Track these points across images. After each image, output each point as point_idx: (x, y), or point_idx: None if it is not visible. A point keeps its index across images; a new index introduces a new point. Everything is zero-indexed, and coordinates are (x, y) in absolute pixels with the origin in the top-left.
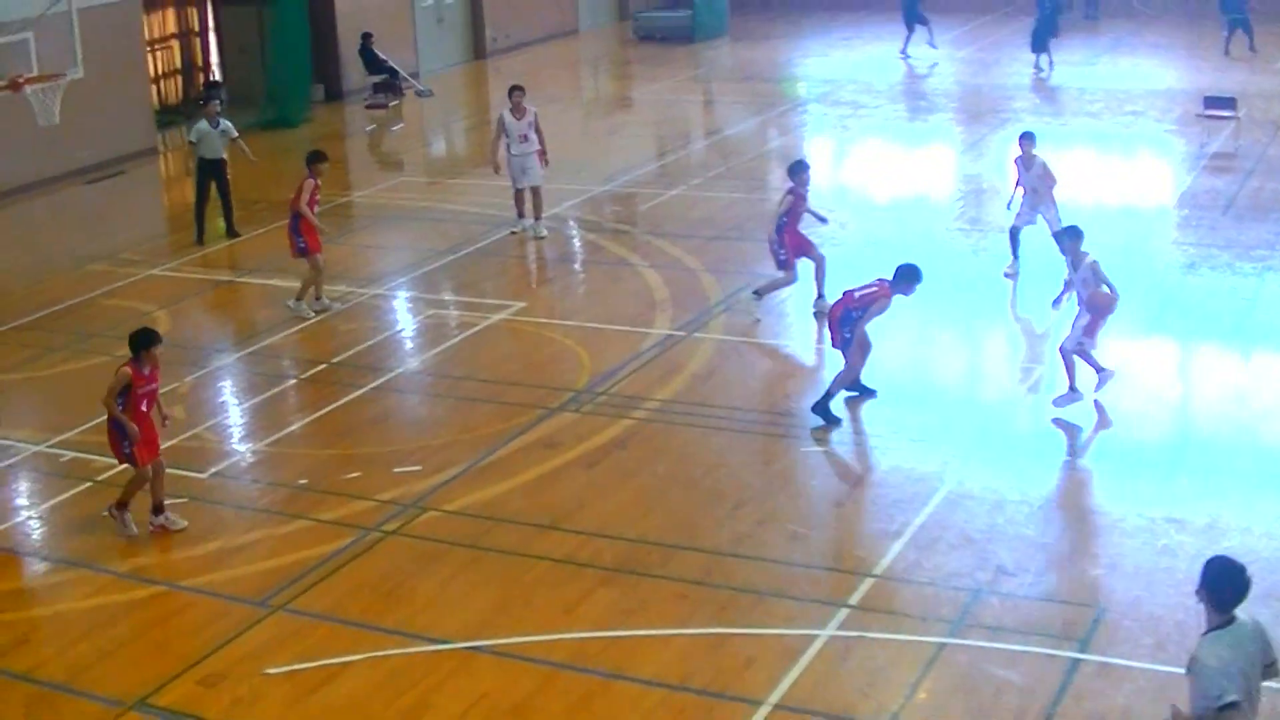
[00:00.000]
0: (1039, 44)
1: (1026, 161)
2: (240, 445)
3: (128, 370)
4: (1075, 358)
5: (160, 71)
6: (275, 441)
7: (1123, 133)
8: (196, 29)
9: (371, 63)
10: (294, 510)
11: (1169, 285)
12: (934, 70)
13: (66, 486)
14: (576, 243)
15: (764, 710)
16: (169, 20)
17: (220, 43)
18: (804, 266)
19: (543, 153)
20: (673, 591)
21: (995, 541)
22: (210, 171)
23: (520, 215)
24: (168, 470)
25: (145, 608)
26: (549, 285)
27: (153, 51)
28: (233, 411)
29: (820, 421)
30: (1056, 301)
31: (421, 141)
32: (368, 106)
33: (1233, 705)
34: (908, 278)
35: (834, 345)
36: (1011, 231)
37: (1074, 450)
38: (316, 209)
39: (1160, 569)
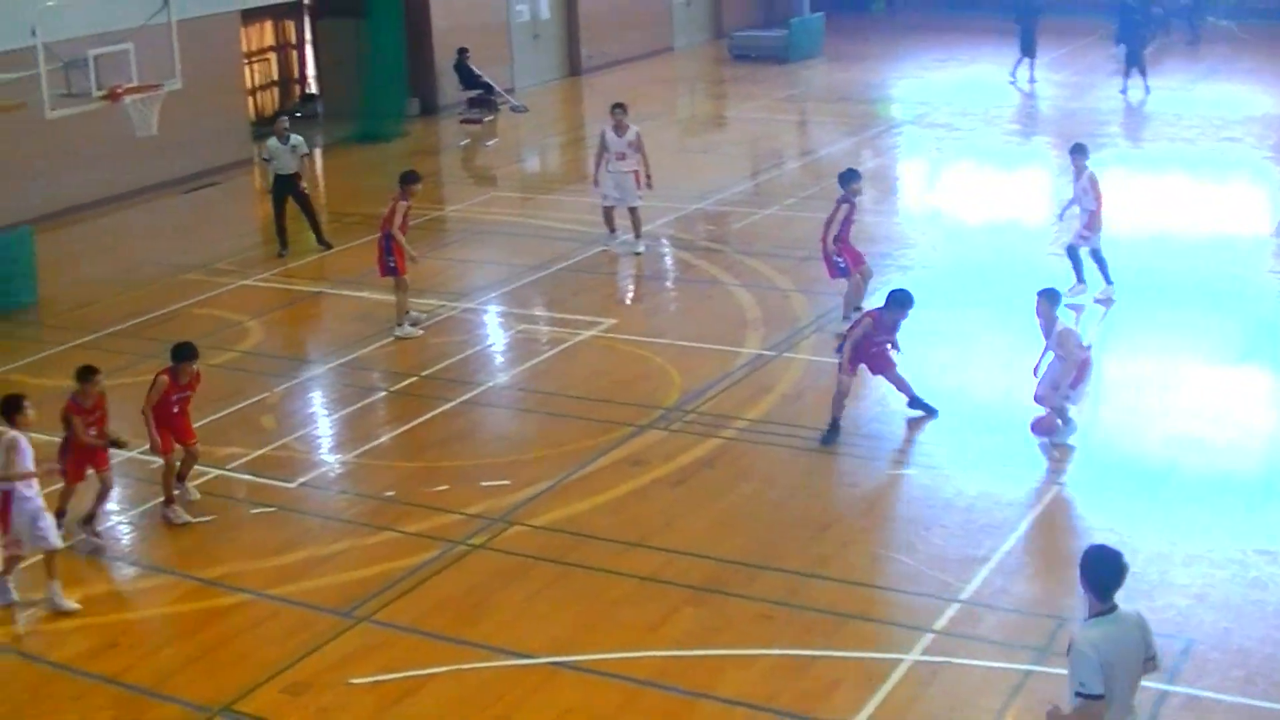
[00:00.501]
0: (1133, 60)
1: (1077, 174)
2: (329, 456)
3: (165, 379)
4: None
5: (257, 84)
6: (363, 453)
7: (1219, 159)
8: (293, 42)
9: (467, 78)
10: (381, 522)
11: (1264, 315)
12: (1029, 94)
13: (156, 493)
14: (668, 261)
15: None
16: (266, 33)
17: (316, 56)
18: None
19: (643, 173)
20: (757, 612)
21: None
22: (285, 187)
23: (611, 231)
24: (257, 479)
25: (231, 615)
26: (640, 303)
27: (250, 64)
28: (322, 423)
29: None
30: (1035, 369)
31: (515, 157)
32: (462, 121)
33: (1094, 697)
34: (896, 303)
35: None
36: (1069, 250)
37: (1163, 481)
38: (406, 231)
39: (1250, 601)
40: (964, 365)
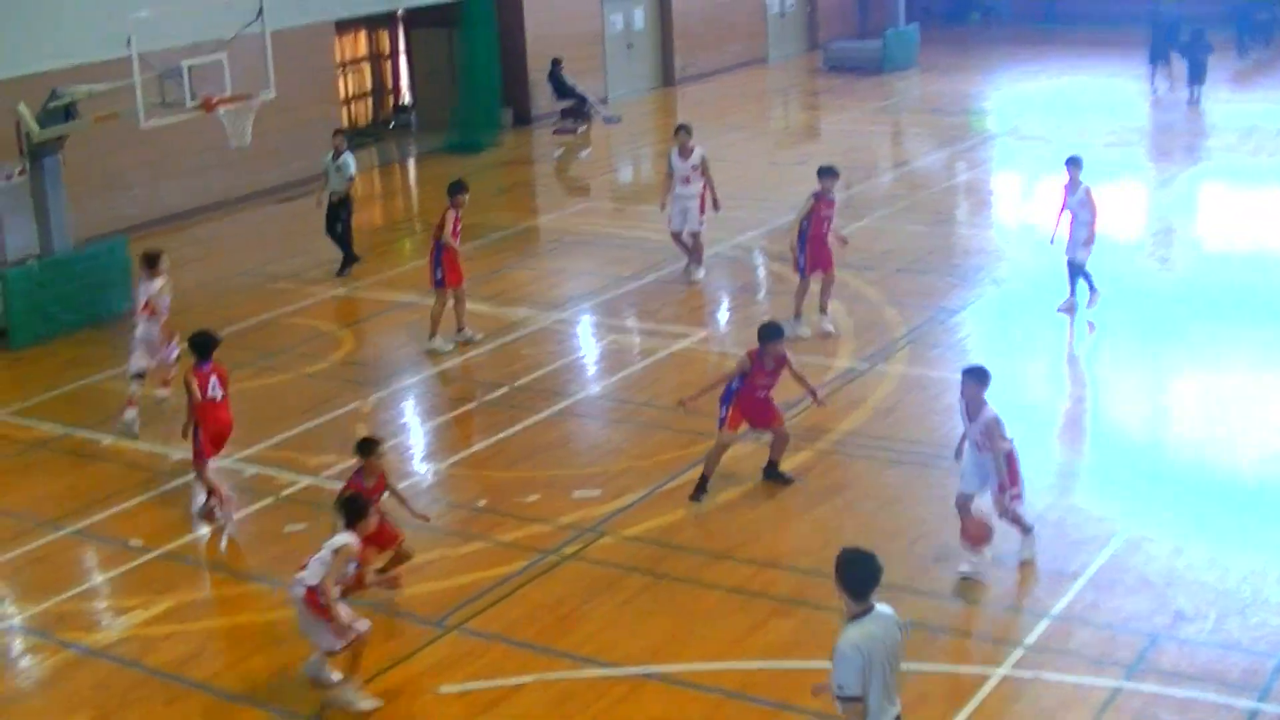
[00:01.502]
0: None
1: (1072, 186)
2: (421, 465)
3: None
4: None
5: (351, 94)
6: (456, 463)
7: None
8: (387, 52)
9: (560, 88)
10: (472, 531)
11: None
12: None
13: (248, 501)
14: (760, 272)
15: None
16: (360, 43)
17: (410, 66)
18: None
19: (709, 198)
20: None
21: (1174, 586)
22: (332, 208)
23: (689, 256)
24: None
25: None
26: (731, 314)
27: (344, 74)
28: (414, 432)
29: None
30: (957, 453)
31: (608, 167)
32: (555, 131)
33: (853, 699)
34: (766, 336)
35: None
36: (1068, 264)
37: (1256, 497)
38: (458, 240)
39: None
40: (1056, 379)
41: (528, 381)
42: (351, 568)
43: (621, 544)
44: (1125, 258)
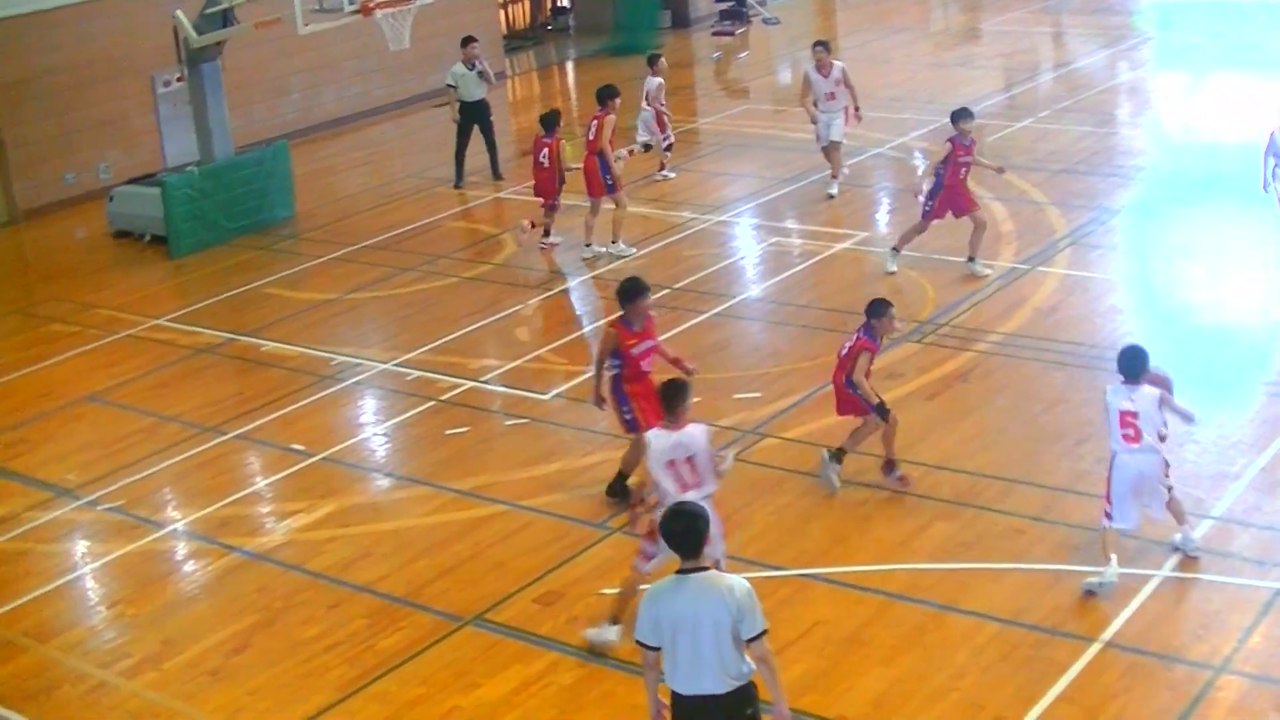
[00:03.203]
0: None
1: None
2: (582, 369)
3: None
4: None
5: None
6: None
7: None
8: None
9: None
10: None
11: None
12: None
13: (412, 405)
14: (921, 173)
15: (1095, 648)
16: None
17: None
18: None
19: (853, 108)
20: (1010, 526)
21: None
22: (471, 114)
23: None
24: (511, 391)
25: (485, 526)
26: (893, 215)
27: None
28: (574, 334)
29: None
30: None
31: (768, 69)
32: (714, 34)
33: (643, 645)
34: (875, 312)
35: (839, 412)
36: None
37: None
38: (614, 145)
39: None
40: (1215, 281)
41: (689, 283)
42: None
43: (783, 446)
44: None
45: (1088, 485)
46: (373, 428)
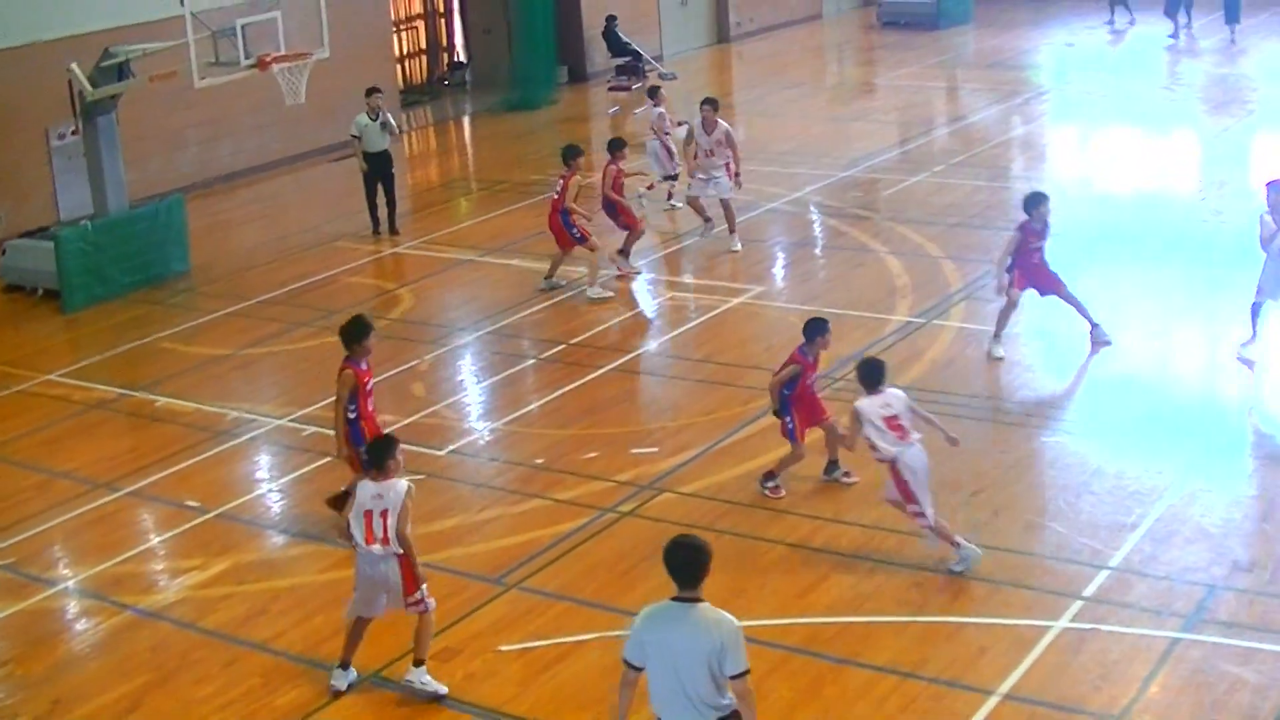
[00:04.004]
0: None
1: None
2: (478, 423)
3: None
4: None
5: (405, 52)
6: (513, 420)
7: None
8: (441, 10)
9: (615, 45)
10: (530, 489)
11: None
12: (1175, 55)
13: (307, 460)
14: (817, 228)
15: (994, 700)
16: (415, 1)
17: (465, 24)
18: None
19: (733, 169)
20: (908, 579)
21: (1232, 536)
22: (376, 165)
23: (705, 220)
24: (408, 446)
25: None
26: (789, 270)
27: (398, 32)
28: (471, 390)
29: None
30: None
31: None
32: (611, 89)
33: (626, 664)
34: (812, 330)
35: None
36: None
37: None
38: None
39: None
40: (1112, 331)
41: (585, 339)
42: None
43: (680, 500)
44: (1181, 211)
45: (986, 536)
46: (268, 484)
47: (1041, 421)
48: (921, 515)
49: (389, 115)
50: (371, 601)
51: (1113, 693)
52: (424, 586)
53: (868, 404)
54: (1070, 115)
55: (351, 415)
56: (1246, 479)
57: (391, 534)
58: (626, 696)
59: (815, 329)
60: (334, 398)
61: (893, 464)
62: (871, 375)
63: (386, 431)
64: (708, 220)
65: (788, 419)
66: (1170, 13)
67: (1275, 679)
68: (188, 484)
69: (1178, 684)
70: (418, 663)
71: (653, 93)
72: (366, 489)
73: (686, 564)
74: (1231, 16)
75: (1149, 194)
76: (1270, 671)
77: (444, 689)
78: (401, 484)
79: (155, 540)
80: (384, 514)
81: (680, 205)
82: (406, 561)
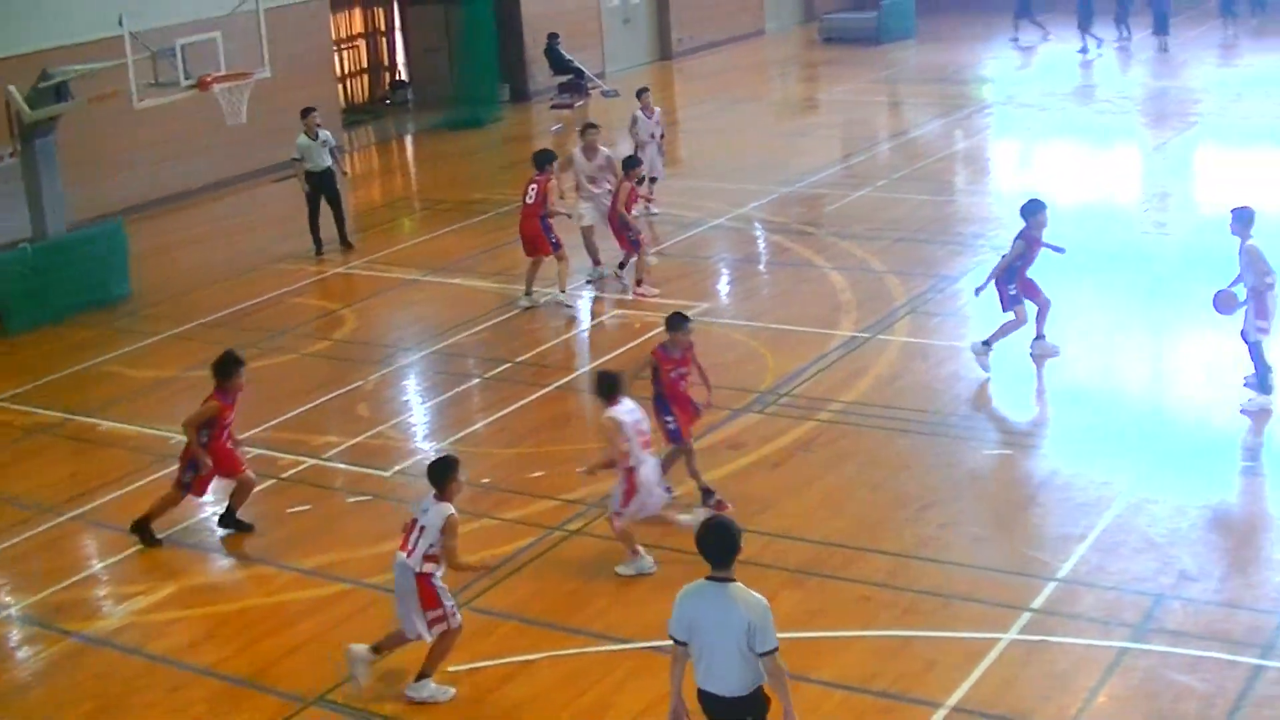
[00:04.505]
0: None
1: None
2: (424, 444)
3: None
4: None
5: (347, 71)
6: (459, 440)
7: None
8: (383, 29)
9: (557, 63)
10: (478, 509)
11: None
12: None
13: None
14: (761, 244)
15: (943, 713)
16: (356, 20)
17: (407, 42)
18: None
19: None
20: (856, 594)
21: (1178, 546)
22: (319, 184)
23: (596, 263)
24: (353, 468)
25: (329, 605)
26: (734, 286)
27: (340, 51)
28: (417, 410)
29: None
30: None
31: (607, 142)
32: (553, 106)
33: (673, 640)
34: (674, 325)
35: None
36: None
37: (1257, 455)
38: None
39: None
40: (1059, 343)
41: (530, 357)
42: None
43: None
44: (1123, 223)
45: (933, 551)
46: (213, 507)
47: (987, 435)
48: (619, 516)
49: (328, 133)
50: (399, 608)
51: (1062, 703)
52: (448, 604)
53: (623, 414)
54: (1013, 129)
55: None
56: (1193, 489)
57: (419, 553)
58: (678, 672)
59: (675, 324)
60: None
61: (631, 472)
62: (612, 387)
63: (446, 454)
64: (598, 263)
65: (669, 419)
66: (1083, 27)
67: (1222, 687)
68: (132, 509)
69: (1126, 694)
70: (422, 676)
71: (640, 94)
72: (422, 502)
73: (719, 544)
74: (1160, 28)
75: (1092, 206)
76: (1217, 680)
77: (451, 690)
78: (446, 509)
79: (99, 566)
80: (422, 530)
81: (657, 213)
82: (425, 581)
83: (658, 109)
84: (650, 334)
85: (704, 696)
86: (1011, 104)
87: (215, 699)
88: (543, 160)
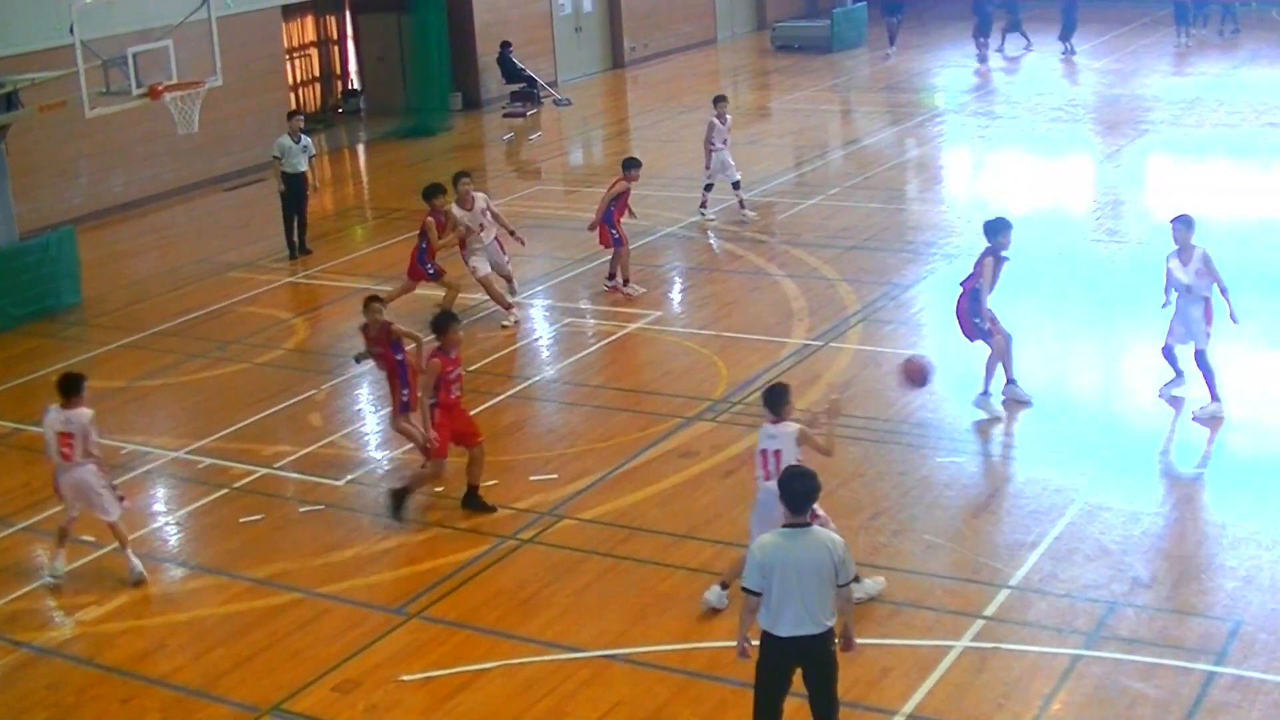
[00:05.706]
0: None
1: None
2: (376, 453)
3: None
4: None
5: (299, 80)
6: (411, 449)
7: (1262, 142)
8: (335, 37)
9: (510, 71)
10: (430, 518)
11: None
12: (1065, 77)
13: (204, 493)
14: (714, 252)
15: None
16: (308, 28)
17: (359, 51)
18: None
19: (505, 234)
20: None
21: (1131, 553)
22: (295, 186)
23: (506, 308)
24: (305, 477)
25: (281, 614)
26: (686, 294)
27: (292, 59)
28: (369, 419)
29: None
30: None
31: (560, 150)
32: (505, 115)
33: (750, 592)
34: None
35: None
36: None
37: (1210, 463)
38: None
39: None
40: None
41: (482, 366)
42: None
43: (581, 527)
44: (1075, 231)
45: (885, 558)
46: (165, 517)
47: (940, 443)
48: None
49: (309, 140)
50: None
51: (1015, 710)
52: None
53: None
54: (964, 137)
55: None
56: (1145, 496)
57: None
58: (748, 620)
59: (443, 324)
60: None
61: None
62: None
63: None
64: (508, 308)
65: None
66: (980, 34)
67: (1176, 694)
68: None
69: (1080, 701)
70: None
71: (716, 102)
72: (761, 434)
73: (802, 492)
74: (1066, 34)
75: (1044, 214)
76: (1171, 687)
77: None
78: (791, 425)
79: (50, 577)
80: (777, 455)
81: (753, 214)
82: None
83: (730, 116)
84: (604, 341)
85: (782, 643)
86: (963, 113)
87: (168, 708)
88: (430, 194)
